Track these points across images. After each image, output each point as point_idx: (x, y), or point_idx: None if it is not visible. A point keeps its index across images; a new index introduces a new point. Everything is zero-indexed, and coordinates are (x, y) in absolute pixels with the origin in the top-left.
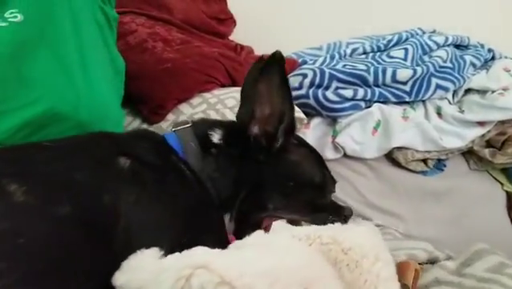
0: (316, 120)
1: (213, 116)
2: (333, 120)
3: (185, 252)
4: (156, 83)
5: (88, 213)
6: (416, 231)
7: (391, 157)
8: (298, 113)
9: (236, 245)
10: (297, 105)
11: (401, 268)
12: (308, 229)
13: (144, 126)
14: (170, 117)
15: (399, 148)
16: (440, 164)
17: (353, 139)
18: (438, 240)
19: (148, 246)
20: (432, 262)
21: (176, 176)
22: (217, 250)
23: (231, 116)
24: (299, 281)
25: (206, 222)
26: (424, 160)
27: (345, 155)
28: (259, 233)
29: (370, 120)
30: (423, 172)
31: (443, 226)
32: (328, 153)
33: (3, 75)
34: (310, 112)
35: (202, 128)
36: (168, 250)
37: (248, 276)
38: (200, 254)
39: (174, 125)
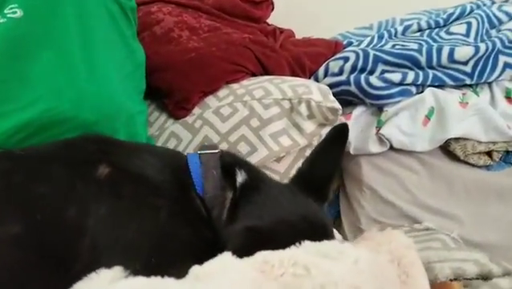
0: (359, 110)
1: (241, 108)
2: (378, 109)
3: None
4: (181, 74)
5: (46, 231)
6: (475, 236)
7: (447, 150)
8: (332, 103)
9: (193, 271)
10: (336, 93)
11: None
12: (285, 253)
13: (171, 121)
14: (196, 111)
15: (456, 140)
16: (508, 157)
17: (401, 130)
18: (502, 247)
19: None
20: (485, 277)
21: (177, 206)
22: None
23: (259, 108)
24: None
25: (183, 246)
26: (489, 153)
27: (392, 148)
28: (225, 256)
29: (421, 107)
30: (486, 167)
31: (508, 231)
32: (372, 147)
33: (1, 74)
34: (353, 101)
35: (230, 160)
36: (140, 271)
37: None
38: None
39: (201, 147)
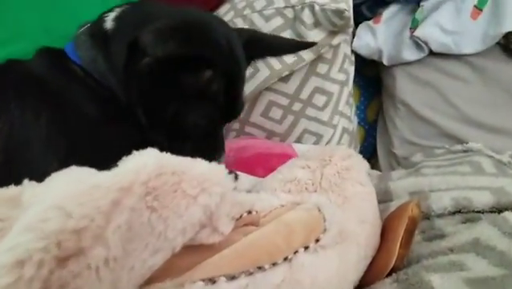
0: (391, 9)
1: (240, 24)
2: (416, 6)
3: None
4: None
5: None
6: None
7: (507, 49)
8: (337, 4)
9: None
10: None
11: (396, 214)
12: None
13: None
14: None
15: None
16: None
17: (442, 28)
18: None
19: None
20: (504, 209)
21: (63, 82)
22: None
23: (260, 21)
24: None
25: (99, 135)
26: None
27: (432, 53)
28: None
29: None
30: None
31: None
32: (407, 53)
33: None
34: None
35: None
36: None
37: None
38: None
39: None
